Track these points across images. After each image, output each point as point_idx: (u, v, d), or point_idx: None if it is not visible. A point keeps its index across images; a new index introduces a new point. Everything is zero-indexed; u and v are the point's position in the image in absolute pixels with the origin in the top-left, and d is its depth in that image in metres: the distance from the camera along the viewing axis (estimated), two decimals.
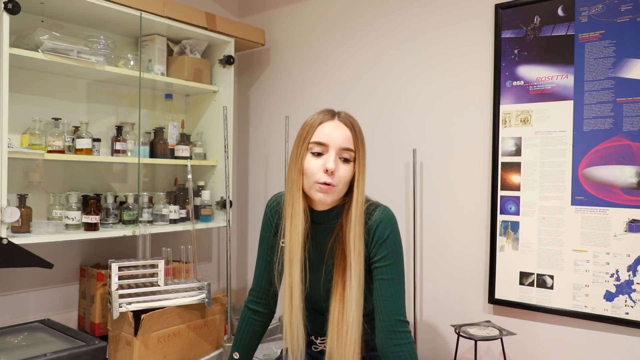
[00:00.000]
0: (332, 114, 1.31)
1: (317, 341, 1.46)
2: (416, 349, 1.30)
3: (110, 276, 1.71)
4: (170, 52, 2.15)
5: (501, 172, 1.75)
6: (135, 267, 1.76)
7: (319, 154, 1.27)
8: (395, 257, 1.30)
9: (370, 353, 1.42)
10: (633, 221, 1.52)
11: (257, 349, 2.07)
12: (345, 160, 1.27)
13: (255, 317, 1.49)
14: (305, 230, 1.31)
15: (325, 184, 1.25)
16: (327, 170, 1.24)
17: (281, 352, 1.53)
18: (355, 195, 1.28)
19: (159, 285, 1.77)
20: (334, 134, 1.27)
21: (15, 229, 1.62)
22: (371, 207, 1.33)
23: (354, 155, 1.28)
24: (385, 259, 1.29)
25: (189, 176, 1.98)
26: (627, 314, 1.52)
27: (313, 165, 1.26)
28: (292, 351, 1.35)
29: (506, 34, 1.74)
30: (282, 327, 2.18)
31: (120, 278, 1.71)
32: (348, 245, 1.28)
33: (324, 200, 1.28)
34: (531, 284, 1.69)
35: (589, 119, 1.59)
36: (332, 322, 1.30)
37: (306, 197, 1.32)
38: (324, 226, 1.36)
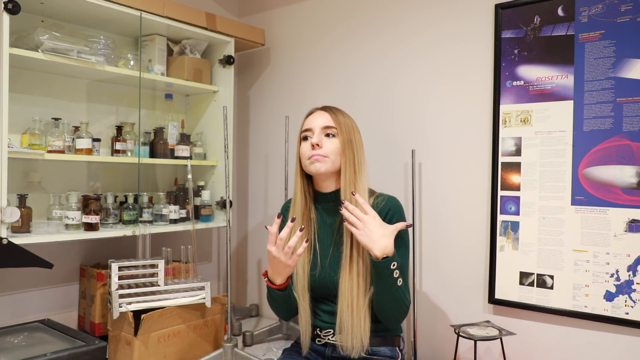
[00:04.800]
0: (316, 108, 1.56)
1: (322, 334, 1.48)
2: (406, 307, 1.41)
3: (110, 276, 1.71)
4: (170, 52, 2.15)
5: (501, 172, 1.75)
6: (135, 267, 1.76)
7: (307, 138, 1.50)
8: (401, 242, 1.44)
9: (372, 348, 1.43)
10: (633, 221, 1.52)
11: (257, 348, 2.08)
12: (331, 136, 1.48)
13: None
14: (307, 208, 1.51)
15: (313, 157, 1.45)
16: (312, 145, 1.45)
17: (294, 342, 1.59)
18: (343, 164, 1.46)
19: (159, 285, 1.77)
20: (315, 119, 1.51)
21: (15, 229, 1.61)
22: (379, 198, 1.50)
23: (336, 131, 1.48)
24: None
25: (189, 176, 1.98)
26: (627, 314, 1.53)
27: (304, 147, 1.50)
28: (303, 333, 1.48)
29: (506, 34, 1.74)
30: (281, 327, 2.19)
31: (120, 278, 1.71)
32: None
33: (318, 168, 1.46)
34: (531, 284, 1.69)
35: (589, 119, 1.59)
36: (342, 291, 1.40)
37: (310, 182, 1.53)
38: (330, 206, 1.51)
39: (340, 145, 1.46)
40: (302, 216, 1.49)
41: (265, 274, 1.45)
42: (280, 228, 1.59)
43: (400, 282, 1.35)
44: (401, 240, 1.44)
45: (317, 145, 1.45)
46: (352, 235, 1.39)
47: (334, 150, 1.46)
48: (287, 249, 1.34)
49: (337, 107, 1.56)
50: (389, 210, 1.45)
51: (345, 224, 1.37)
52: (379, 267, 1.32)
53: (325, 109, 1.53)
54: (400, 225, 1.39)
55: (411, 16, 1.98)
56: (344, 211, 1.37)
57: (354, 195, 1.38)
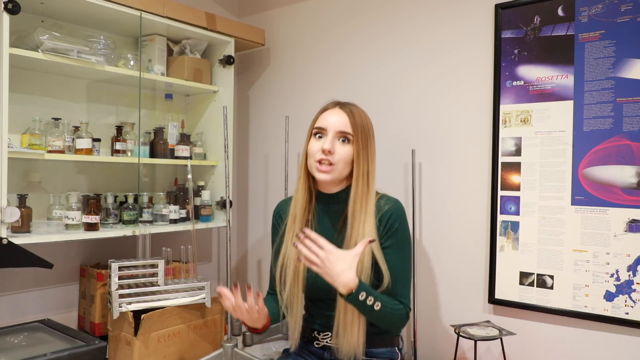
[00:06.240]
0: (335, 103, 1.47)
1: (320, 336, 1.46)
2: (399, 317, 1.38)
3: (110, 276, 1.71)
4: (170, 52, 2.15)
5: (501, 172, 1.75)
6: (135, 267, 1.76)
7: (319, 137, 1.42)
8: (401, 246, 1.41)
9: (371, 350, 1.43)
10: (633, 221, 1.52)
11: (257, 348, 2.08)
12: (344, 141, 1.40)
13: (275, 295, 1.53)
14: (308, 207, 1.46)
15: (321, 161, 1.38)
16: (323, 150, 1.38)
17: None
18: (355, 174, 1.39)
19: (159, 285, 1.77)
20: (332, 119, 1.41)
21: (15, 229, 1.62)
22: (382, 200, 1.44)
23: (352, 137, 1.40)
24: (392, 248, 1.40)
25: (189, 176, 1.98)
26: (627, 314, 1.53)
27: (313, 146, 1.41)
28: (292, 331, 1.45)
29: (506, 34, 1.74)
30: (281, 327, 2.19)
31: (120, 278, 1.71)
32: (353, 224, 1.38)
33: (324, 179, 1.40)
34: (531, 284, 1.69)
35: (589, 119, 1.59)
36: (340, 300, 1.35)
37: (314, 180, 1.46)
38: (332, 208, 1.47)
39: (354, 152, 1.39)
40: (302, 215, 1.45)
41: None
42: (276, 230, 1.55)
43: (378, 306, 1.29)
44: (397, 241, 1.40)
45: (329, 152, 1.37)
46: (352, 240, 1.36)
47: (344, 158, 1.39)
48: (250, 309, 1.29)
49: (354, 103, 1.48)
50: (391, 215, 1.40)
51: (303, 261, 1.29)
52: (349, 301, 1.28)
53: (343, 107, 1.44)
54: (360, 248, 1.28)
55: (412, 17, 1.98)
56: (300, 248, 1.27)
57: (303, 232, 1.28)
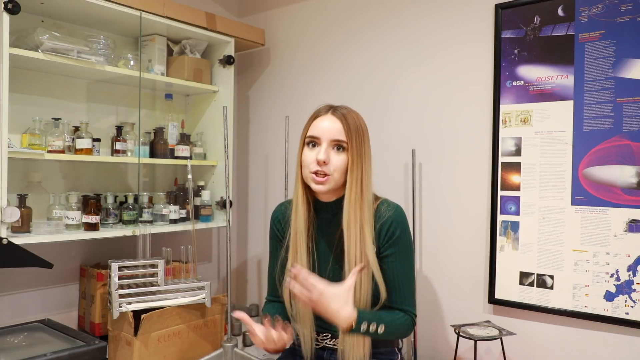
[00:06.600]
0: (327, 109, 1.40)
1: (319, 337, 1.45)
2: (404, 328, 1.36)
3: (110, 276, 1.71)
4: (170, 52, 2.15)
5: (501, 172, 1.75)
6: (135, 267, 1.76)
7: (313, 146, 1.37)
8: (404, 254, 1.37)
9: (374, 350, 1.42)
10: (633, 221, 1.52)
11: (257, 348, 2.08)
12: (339, 150, 1.35)
13: (277, 302, 1.51)
14: (309, 218, 1.41)
15: (317, 173, 1.33)
16: (318, 161, 1.33)
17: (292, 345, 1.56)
18: (348, 182, 1.35)
19: (159, 285, 1.77)
20: (325, 127, 1.36)
21: (15, 229, 1.61)
22: (383, 205, 1.40)
23: (347, 145, 1.35)
24: (393, 256, 1.37)
25: (189, 176, 1.98)
26: (627, 314, 1.53)
27: (307, 157, 1.36)
28: (305, 342, 1.41)
29: (506, 34, 1.74)
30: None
31: (120, 278, 1.71)
32: (348, 234, 1.34)
33: (320, 190, 1.36)
34: (531, 284, 1.69)
35: (589, 119, 1.59)
36: None
37: (310, 189, 1.40)
38: (330, 217, 1.42)
39: (349, 160, 1.34)
40: (305, 228, 1.40)
41: None
42: (274, 246, 1.51)
43: (382, 328, 1.28)
44: (399, 249, 1.37)
45: (324, 162, 1.32)
46: (348, 252, 1.34)
47: (340, 167, 1.34)
48: (279, 340, 1.27)
49: (346, 105, 1.43)
50: (391, 222, 1.36)
51: (298, 299, 1.27)
52: (352, 334, 1.27)
53: (336, 113, 1.37)
54: (352, 280, 1.26)
55: (412, 18, 1.98)
56: (292, 287, 1.24)
57: (293, 269, 1.25)
